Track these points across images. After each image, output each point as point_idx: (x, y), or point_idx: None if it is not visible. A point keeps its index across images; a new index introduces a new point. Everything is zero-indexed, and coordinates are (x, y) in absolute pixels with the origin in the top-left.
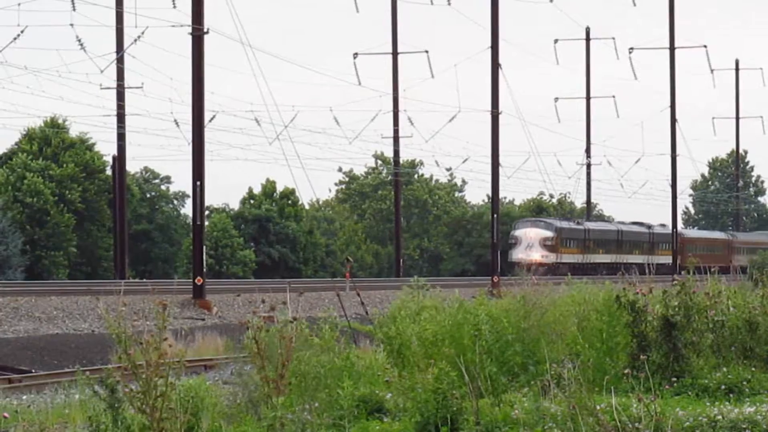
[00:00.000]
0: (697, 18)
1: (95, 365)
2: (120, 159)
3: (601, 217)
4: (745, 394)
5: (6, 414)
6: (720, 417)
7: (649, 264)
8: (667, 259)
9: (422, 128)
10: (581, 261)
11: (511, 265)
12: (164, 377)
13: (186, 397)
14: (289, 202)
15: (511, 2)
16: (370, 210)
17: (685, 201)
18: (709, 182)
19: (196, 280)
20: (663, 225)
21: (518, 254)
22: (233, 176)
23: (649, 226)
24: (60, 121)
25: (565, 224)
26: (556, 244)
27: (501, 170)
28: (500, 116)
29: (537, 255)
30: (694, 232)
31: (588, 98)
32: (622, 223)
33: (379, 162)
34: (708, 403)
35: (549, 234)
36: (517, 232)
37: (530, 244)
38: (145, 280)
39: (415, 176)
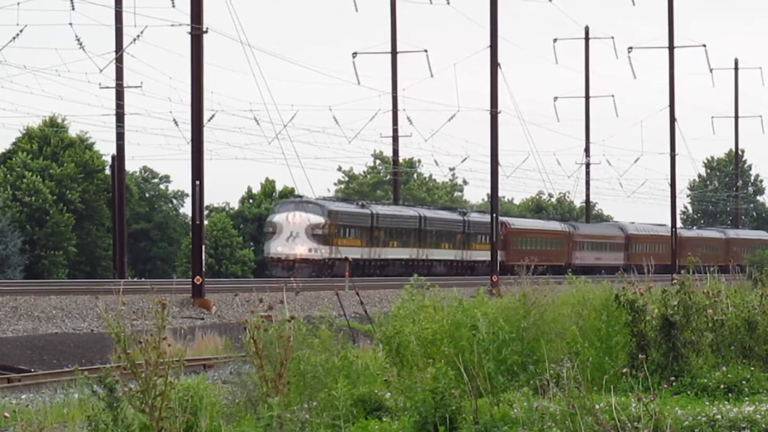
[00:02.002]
0: (696, 17)
1: (94, 365)
2: (119, 158)
3: (600, 217)
4: (745, 393)
5: (6, 414)
6: (719, 416)
7: (461, 261)
8: (487, 255)
9: (421, 127)
10: (367, 256)
11: (263, 264)
12: (164, 376)
13: (185, 397)
14: None
15: (511, 1)
16: None
17: (684, 200)
18: (707, 181)
19: (195, 280)
20: (482, 212)
21: (277, 247)
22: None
23: (464, 212)
24: (59, 120)
25: (342, 207)
26: (329, 234)
27: (500, 169)
28: (499, 115)
29: (302, 248)
30: (523, 222)
31: (587, 97)
32: (427, 207)
33: (378, 161)
34: (707, 403)
35: (319, 219)
36: (276, 218)
37: (294, 233)
38: (144, 279)
39: (414, 175)
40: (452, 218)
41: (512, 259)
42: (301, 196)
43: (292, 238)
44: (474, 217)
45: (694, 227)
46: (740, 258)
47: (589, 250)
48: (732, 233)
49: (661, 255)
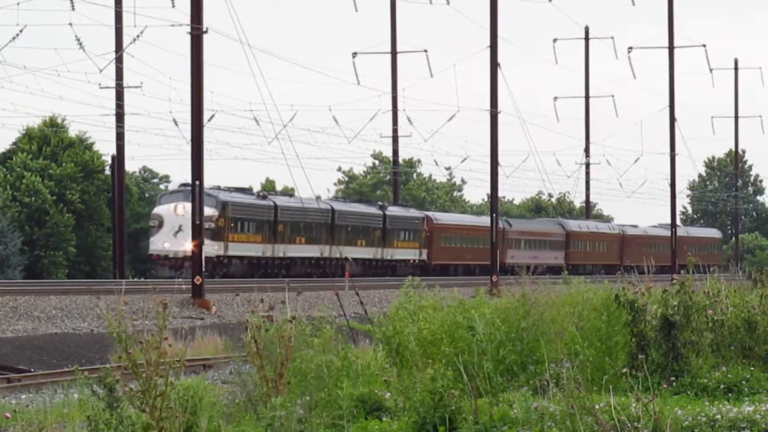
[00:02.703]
0: (696, 17)
1: (94, 365)
2: (119, 158)
3: (600, 217)
4: (744, 393)
5: (7, 414)
6: (719, 416)
7: (380, 260)
8: (412, 254)
9: (421, 127)
10: (269, 254)
11: (144, 261)
12: (164, 376)
13: (185, 397)
14: None
15: (511, 1)
16: None
17: (684, 200)
18: (707, 182)
19: (195, 280)
20: (406, 206)
21: (161, 243)
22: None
23: (383, 206)
24: (59, 120)
25: (238, 197)
26: (221, 228)
27: (500, 169)
28: (499, 115)
29: (190, 244)
30: (449, 217)
31: (587, 98)
32: (341, 200)
33: (378, 161)
34: (707, 403)
35: (209, 212)
36: (161, 209)
37: (180, 227)
38: (144, 279)
39: (414, 175)
40: (369, 212)
41: (438, 258)
42: (187, 185)
43: (179, 232)
44: (394, 211)
45: (639, 226)
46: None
47: (524, 248)
48: (682, 231)
49: (605, 254)
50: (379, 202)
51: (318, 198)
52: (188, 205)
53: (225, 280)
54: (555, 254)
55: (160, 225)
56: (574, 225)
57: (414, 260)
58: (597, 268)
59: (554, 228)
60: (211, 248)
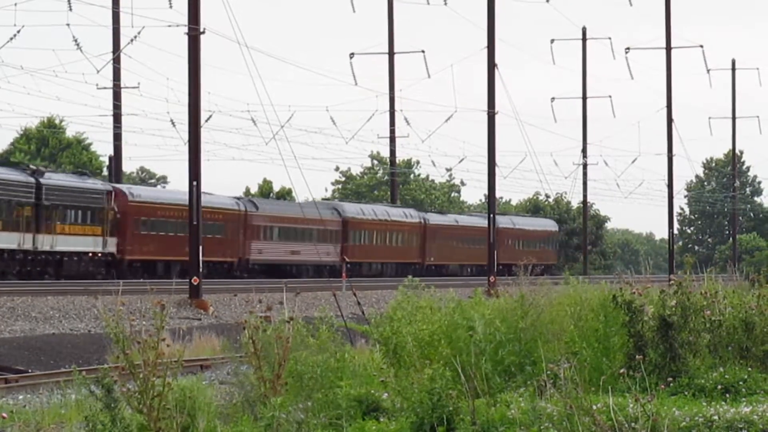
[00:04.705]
0: (693, 18)
1: (92, 365)
2: (116, 159)
3: (596, 218)
4: (742, 394)
5: (4, 414)
6: (716, 417)
7: (30, 252)
8: (90, 245)
9: (418, 128)
10: None
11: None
12: (161, 377)
13: (182, 397)
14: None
15: (508, 2)
16: None
17: (682, 201)
18: (705, 182)
19: (192, 280)
20: (83, 174)
21: None
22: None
23: (38, 172)
24: (57, 121)
25: None
26: None
27: (497, 170)
28: (497, 116)
29: None
30: (149, 194)
31: (584, 98)
32: None
33: (376, 162)
34: (704, 403)
35: None
36: None
37: None
38: (141, 279)
39: (412, 176)
40: (9, 179)
41: (134, 250)
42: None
43: None
44: (57, 180)
45: (446, 213)
46: (516, 255)
47: (278, 238)
48: (505, 221)
49: (399, 249)
50: (33, 165)
51: None
52: None
53: (222, 281)
54: (326, 249)
55: None
56: (354, 210)
57: (94, 253)
58: (388, 268)
59: (326, 214)
60: None
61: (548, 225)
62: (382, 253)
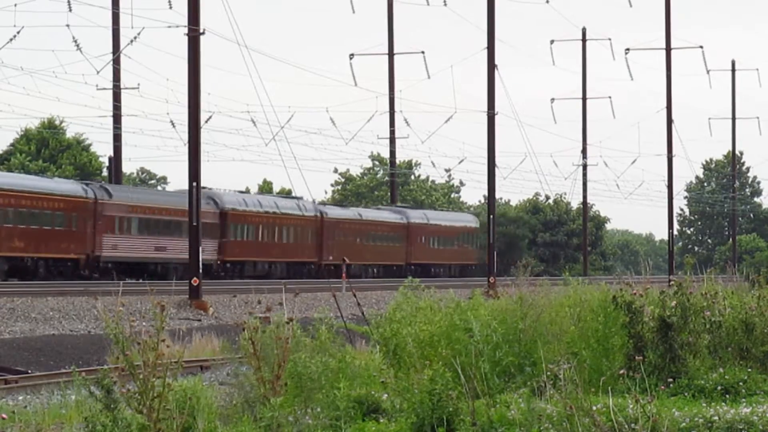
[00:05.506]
0: (693, 18)
1: (91, 366)
2: (116, 160)
3: (596, 219)
4: (742, 394)
5: (4, 415)
6: (716, 418)
7: None
8: None
9: (418, 129)
10: None
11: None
12: (161, 378)
13: (182, 398)
14: None
15: (508, 3)
16: None
17: (682, 202)
18: (705, 183)
19: (192, 281)
20: None
21: None
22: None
23: None
24: (57, 122)
25: None
26: None
27: (497, 171)
28: (496, 117)
29: None
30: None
31: (584, 99)
32: None
33: (376, 163)
34: (704, 404)
35: None
36: None
37: None
38: (141, 280)
39: (412, 177)
40: None
41: None
42: None
43: None
44: None
45: (347, 206)
46: (431, 254)
47: (137, 232)
48: (417, 215)
49: (291, 247)
50: None
51: None
52: None
53: (222, 281)
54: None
55: None
56: (235, 200)
57: None
58: (277, 267)
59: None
60: None
61: (468, 220)
62: (270, 250)
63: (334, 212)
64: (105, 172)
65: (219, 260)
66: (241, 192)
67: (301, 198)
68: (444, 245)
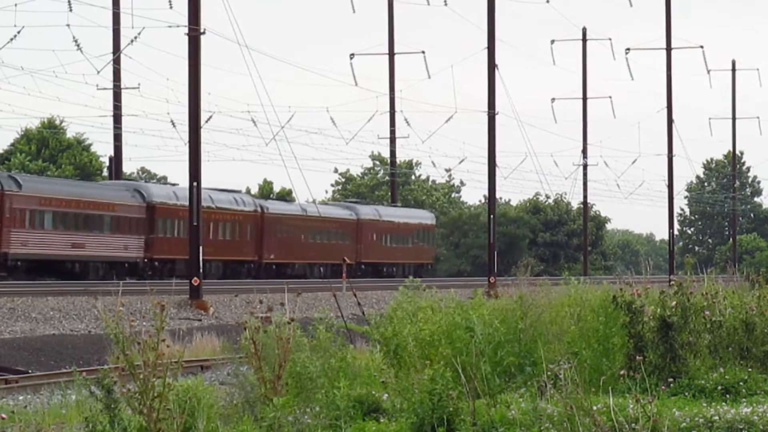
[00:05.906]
0: (693, 18)
1: (92, 366)
2: (117, 160)
3: (597, 219)
4: (742, 394)
5: (4, 415)
6: (717, 418)
7: None
8: None
9: (419, 129)
10: None
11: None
12: (162, 378)
13: (183, 398)
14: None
15: (508, 3)
16: None
17: (682, 202)
18: (705, 183)
19: (192, 281)
20: None
21: None
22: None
23: None
24: (57, 122)
25: None
26: None
27: (498, 171)
28: (497, 117)
29: None
30: None
31: (584, 99)
32: None
33: (376, 162)
34: (705, 404)
35: None
36: None
37: None
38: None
39: (412, 177)
40: None
41: None
42: None
43: None
44: None
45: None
46: (384, 253)
47: (50, 228)
48: (368, 211)
49: (227, 244)
50: None
51: None
52: None
53: (222, 281)
54: (124, 241)
55: None
56: (164, 193)
57: None
58: (213, 266)
59: (123, 196)
60: None
61: (423, 217)
62: (204, 248)
63: (276, 207)
64: (105, 172)
65: (146, 258)
66: (172, 185)
67: (239, 191)
68: (398, 243)
